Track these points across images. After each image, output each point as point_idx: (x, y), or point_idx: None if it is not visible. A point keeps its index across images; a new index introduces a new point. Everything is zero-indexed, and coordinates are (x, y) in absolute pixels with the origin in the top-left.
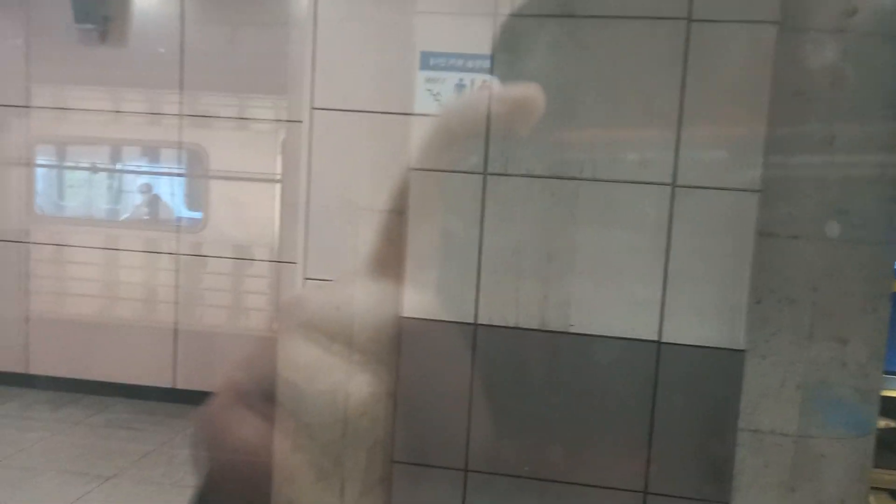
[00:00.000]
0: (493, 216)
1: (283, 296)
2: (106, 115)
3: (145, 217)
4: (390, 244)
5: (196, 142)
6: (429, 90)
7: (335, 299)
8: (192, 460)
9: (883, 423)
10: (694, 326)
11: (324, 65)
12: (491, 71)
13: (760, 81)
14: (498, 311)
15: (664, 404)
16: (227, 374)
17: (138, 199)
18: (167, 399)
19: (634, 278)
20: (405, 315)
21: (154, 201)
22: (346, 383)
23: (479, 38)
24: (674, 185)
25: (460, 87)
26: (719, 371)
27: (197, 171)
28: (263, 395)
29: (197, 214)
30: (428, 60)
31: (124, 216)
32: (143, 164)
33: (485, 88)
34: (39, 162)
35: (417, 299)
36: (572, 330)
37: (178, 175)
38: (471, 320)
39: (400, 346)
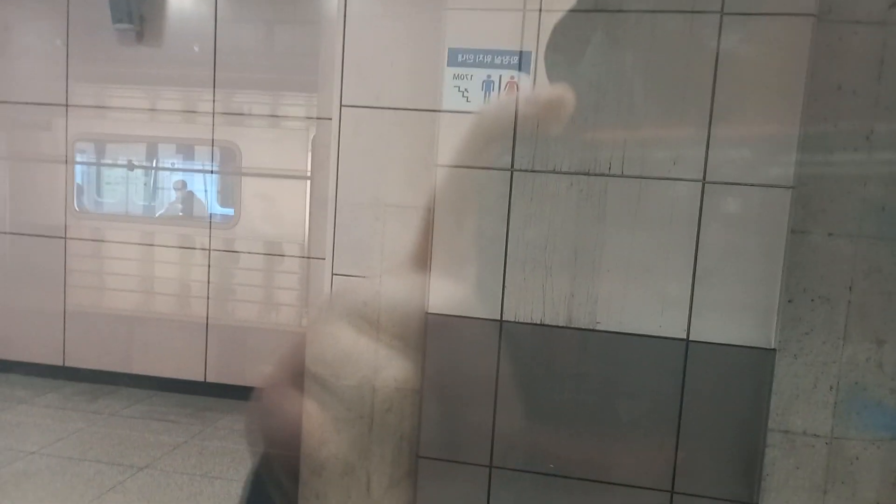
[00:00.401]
0: (519, 213)
1: (312, 292)
2: (142, 114)
3: (179, 213)
4: (426, 241)
5: (229, 139)
6: (456, 87)
7: (363, 295)
8: (247, 441)
9: None
10: (723, 325)
11: (353, 62)
12: (519, 67)
13: (795, 76)
14: (524, 307)
15: (692, 403)
16: (276, 365)
17: (173, 195)
18: (198, 392)
19: (663, 276)
20: (431, 311)
21: (188, 198)
22: (374, 378)
23: (508, 33)
24: (704, 181)
25: (488, 83)
26: (749, 370)
27: (230, 169)
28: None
29: (229, 211)
30: (456, 57)
31: (159, 212)
32: (178, 162)
33: (512, 85)
34: (78, 159)
35: (443, 295)
36: (599, 327)
37: (212, 172)
38: (497, 317)
39: (426, 342)
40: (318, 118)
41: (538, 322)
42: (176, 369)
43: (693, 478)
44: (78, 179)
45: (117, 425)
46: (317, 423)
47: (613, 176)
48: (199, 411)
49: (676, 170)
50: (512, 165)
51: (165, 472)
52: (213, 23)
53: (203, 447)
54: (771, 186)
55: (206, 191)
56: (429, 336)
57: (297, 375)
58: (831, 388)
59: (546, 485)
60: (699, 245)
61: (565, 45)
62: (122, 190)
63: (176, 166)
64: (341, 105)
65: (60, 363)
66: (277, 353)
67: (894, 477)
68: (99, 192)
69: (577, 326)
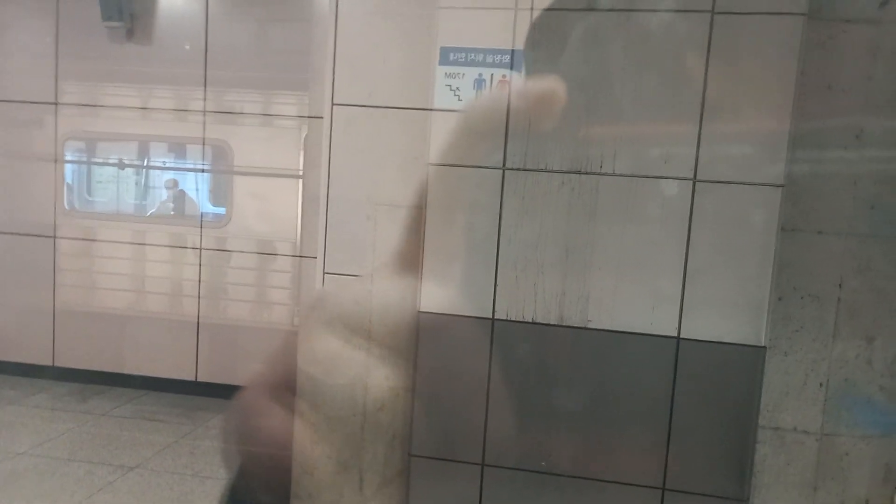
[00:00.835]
0: (511, 211)
1: (304, 290)
2: (133, 112)
3: (171, 212)
4: (417, 239)
5: (221, 138)
6: (448, 85)
7: (354, 294)
8: (222, 452)
9: None
10: (714, 322)
11: (344, 61)
12: (511, 65)
13: (786, 75)
14: (516, 306)
15: (683, 400)
16: (257, 369)
17: (164, 194)
18: (190, 392)
19: (654, 274)
20: (423, 310)
21: (180, 197)
22: (366, 377)
23: (499, 32)
24: (695, 180)
25: (480, 81)
26: (740, 368)
27: (221, 167)
28: (291, 389)
29: (221, 210)
30: (447, 55)
31: (151, 211)
32: (169, 160)
33: (504, 84)
34: (68, 158)
35: (435, 294)
36: (590, 325)
37: (203, 171)
38: (488, 315)
39: (418, 340)
40: (310, 117)
41: (530, 320)
42: (167, 369)
43: (684, 475)
44: (68, 178)
45: (108, 425)
46: (309, 422)
47: (605, 174)
48: (191, 411)
49: (667, 168)
50: (504, 164)
51: (156, 472)
52: (205, 20)
53: (194, 447)
54: (761, 185)
55: (197, 189)
56: (421, 335)
57: (282, 377)
58: (821, 384)
59: (538, 483)
60: (690, 243)
61: (552, 43)
62: (112, 189)
63: (167, 165)
64: (333, 103)
65: (50, 363)
66: (262, 355)
67: (884, 472)
68: (89, 190)
69: (568, 324)
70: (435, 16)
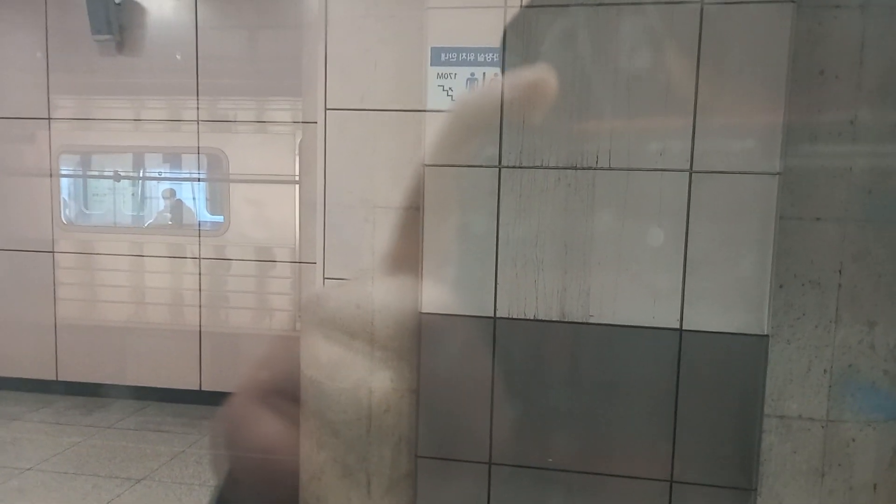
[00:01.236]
0: (508, 209)
1: (303, 295)
2: (126, 124)
3: (169, 222)
4: (408, 240)
5: (215, 146)
6: (440, 86)
7: (355, 297)
8: (211, 459)
9: None
10: (716, 313)
11: (336, 65)
12: (502, 63)
13: (778, 62)
14: (517, 303)
15: (688, 392)
16: (246, 374)
17: (161, 204)
18: (194, 401)
19: (654, 266)
20: (424, 311)
21: (177, 206)
22: (369, 380)
23: (490, 30)
24: (691, 171)
25: (472, 81)
26: (743, 357)
27: (217, 175)
28: (283, 394)
29: (219, 218)
30: (439, 56)
31: (148, 222)
32: (165, 170)
33: (496, 81)
34: (64, 172)
35: (435, 295)
36: (592, 320)
37: (199, 180)
38: (490, 314)
39: (420, 341)
40: (303, 122)
41: (531, 317)
42: (170, 379)
43: (691, 466)
44: (64, 192)
45: (113, 438)
46: (313, 426)
47: (601, 169)
48: (196, 420)
49: (663, 160)
50: (499, 162)
51: (164, 483)
52: (194, 30)
53: (201, 456)
54: (758, 174)
55: (194, 198)
56: (423, 336)
57: (273, 380)
58: (825, 371)
59: (545, 479)
60: (689, 234)
61: (541, 38)
62: (109, 201)
63: (163, 175)
64: (326, 108)
65: (53, 377)
66: (251, 359)
67: (890, 458)
68: (86, 203)
69: (570, 320)
70: (424, 17)
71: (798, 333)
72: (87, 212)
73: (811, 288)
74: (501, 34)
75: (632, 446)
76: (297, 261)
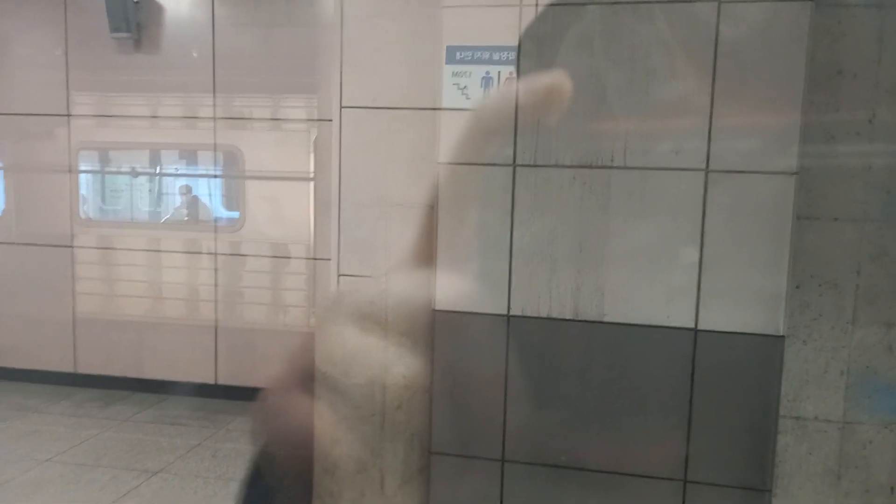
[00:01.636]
0: (523, 208)
1: (319, 292)
2: (144, 121)
3: (185, 218)
4: (430, 239)
5: (231, 143)
6: (455, 84)
7: (374, 295)
8: (250, 436)
9: None
10: (731, 313)
11: (351, 63)
12: (518, 62)
13: (796, 61)
14: (531, 302)
15: (703, 392)
16: (283, 366)
17: (178, 201)
18: (210, 395)
19: (669, 266)
20: (438, 308)
21: (193, 203)
22: (384, 376)
23: (505, 29)
24: (707, 170)
25: (487, 79)
26: (759, 358)
27: (233, 172)
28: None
29: (234, 214)
30: (454, 54)
31: (165, 218)
32: (182, 167)
33: (511, 81)
34: (82, 168)
35: (449, 292)
36: (606, 319)
37: (215, 176)
38: (503, 312)
39: (434, 339)
40: (318, 119)
41: (545, 316)
42: (187, 373)
43: (705, 466)
44: (83, 188)
45: (130, 430)
46: (329, 422)
47: (616, 168)
48: (212, 413)
49: (679, 159)
50: (514, 161)
51: (180, 476)
52: (211, 28)
53: (216, 449)
54: (775, 173)
55: (210, 195)
56: (436, 333)
57: (305, 376)
58: (842, 372)
59: (558, 477)
60: (704, 234)
61: (557, 37)
62: (126, 197)
63: (179, 171)
64: (341, 106)
65: (72, 370)
66: (284, 355)
67: None
68: (104, 199)
69: (584, 319)
70: (440, 15)
71: (815, 334)
72: (105, 207)
73: (828, 288)
74: (517, 33)
75: (645, 446)
76: (312, 257)
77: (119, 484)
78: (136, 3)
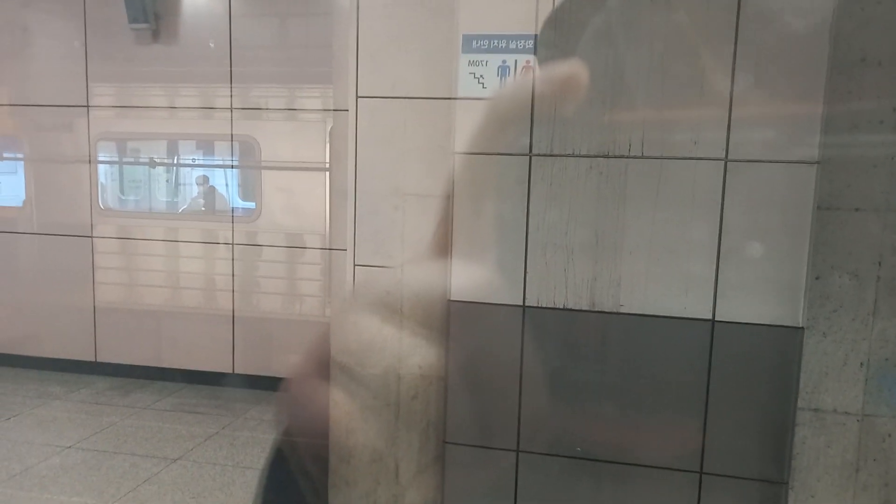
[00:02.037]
0: (539, 197)
1: (335, 282)
2: (161, 111)
3: (202, 208)
4: (446, 229)
5: (248, 133)
6: (472, 73)
7: (390, 285)
8: (275, 418)
9: None
10: (750, 304)
11: (367, 53)
12: (535, 51)
13: (819, 48)
14: (547, 292)
15: (720, 384)
16: (304, 356)
17: (195, 191)
18: (228, 384)
19: (686, 256)
20: (454, 298)
21: (210, 193)
22: (399, 366)
23: (522, 18)
24: (726, 160)
25: (504, 68)
26: (777, 349)
27: (249, 162)
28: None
29: (251, 204)
30: (470, 43)
31: (182, 208)
32: (199, 157)
33: (528, 70)
34: (101, 158)
35: (464, 282)
36: (623, 310)
37: (232, 167)
38: (520, 302)
39: (449, 329)
40: (334, 110)
41: (561, 306)
42: (205, 362)
43: (722, 458)
44: (101, 178)
45: (150, 418)
46: (344, 411)
47: (633, 157)
48: (229, 402)
49: (697, 149)
50: (530, 150)
51: (198, 463)
52: (228, 19)
53: (234, 437)
54: (795, 162)
55: (227, 185)
56: (452, 323)
57: (325, 365)
58: (861, 365)
59: (573, 468)
60: (723, 224)
61: (576, 28)
62: (145, 187)
63: (196, 162)
64: (357, 96)
65: (93, 359)
66: (304, 344)
67: None
68: (122, 190)
69: (600, 310)
70: (456, 4)
71: (834, 326)
72: (124, 198)
73: (849, 280)
74: (534, 22)
75: (661, 437)
76: (328, 247)
77: (139, 471)
78: None
